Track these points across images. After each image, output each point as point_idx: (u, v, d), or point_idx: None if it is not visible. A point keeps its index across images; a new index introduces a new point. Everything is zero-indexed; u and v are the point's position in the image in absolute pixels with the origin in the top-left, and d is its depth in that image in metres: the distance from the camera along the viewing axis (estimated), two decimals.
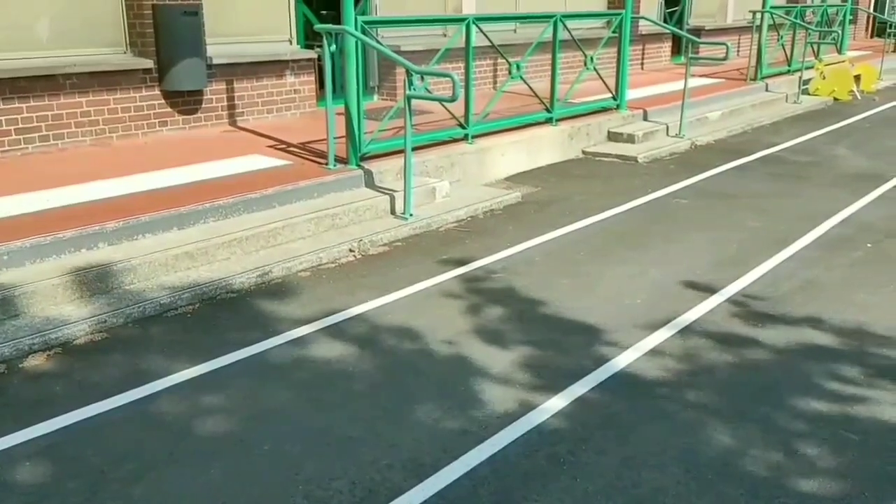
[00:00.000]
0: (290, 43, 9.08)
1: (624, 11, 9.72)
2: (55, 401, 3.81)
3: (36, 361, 4.18)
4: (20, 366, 4.13)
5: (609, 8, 13.21)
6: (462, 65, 8.12)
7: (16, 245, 4.79)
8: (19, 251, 4.79)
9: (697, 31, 14.85)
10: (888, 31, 19.78)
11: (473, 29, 7.84)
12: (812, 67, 13.65)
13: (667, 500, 3.14)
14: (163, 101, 7.90)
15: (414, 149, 6.67)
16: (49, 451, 3.42)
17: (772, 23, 13.31)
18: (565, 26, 8.88)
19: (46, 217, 5.30)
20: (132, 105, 7.69)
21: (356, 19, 6.49)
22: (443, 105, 7.35)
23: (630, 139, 9.51)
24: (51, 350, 4.29)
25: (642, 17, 11.67)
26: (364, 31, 6.66)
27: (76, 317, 4.53)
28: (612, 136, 9.64)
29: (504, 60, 8.55)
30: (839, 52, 16.00)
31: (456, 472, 3.30)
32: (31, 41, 7.15)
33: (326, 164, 6.77)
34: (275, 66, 8.77)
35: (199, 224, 5.61)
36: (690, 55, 10.19)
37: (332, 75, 6.62)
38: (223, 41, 8.32)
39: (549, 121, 8.98)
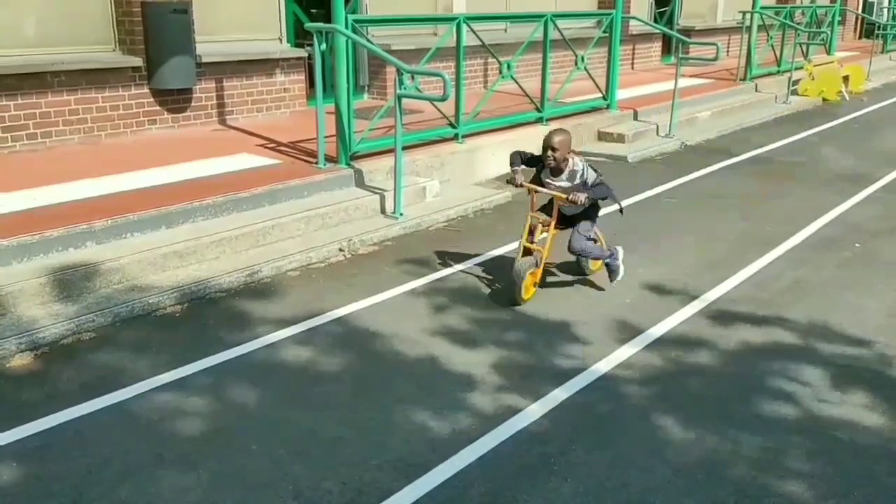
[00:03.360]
0: (280, 41, 9.05)
1: (614, 11, 9.74)
2: (42, 401, 3.79)
3: (23, 361, 4.16)
4: (7, 365, 4.10)
5: (599, 8, 13.23)
6: (452, 64, 8.11)
7: (2, 244, 4.76)
8: (6, 250, 4.76)
9: (687, 32, 14.85)
10: (876, 32, 19.88)
11: (464, 28, 7.83)
12: (801, 68, 13.71)
13: (655, 501, 3.14)
14: (152, 99, 7.86)
15: (404, 148, 6.66)
16: (35, 452, 3.40)
17: (761, 23, 13.36)
18: (556, 26, 8.88)
19: (34, 215, 5.27)
20: (121, 103, 7.64)
21: (347, 18, 6.48)
22: (433, 104, 7.34)
23: (620, 139, 9.52)
24: (38, 350, 4.26)
25: (633, 17, 11.69)
26: (354, 30, 6.64)
27: (63, 316, 4.50)
28: (602, 136, 9.66)
29: (494, 60, 8.55)
30: (828, 52, 16.07)
31: (446, 472, 3.30)
32: (19, 38, 7.10)
33: (316, 163, 6.75)
34: (265, 65, 8.73)
35: (187, 223, 5.59)
36: (680, 55, 10.22)
37: (323, 74, 6.61)
38: (213, 39, 8.28)
39: (539, 120, 8.98)
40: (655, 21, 14.59)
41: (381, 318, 4.76)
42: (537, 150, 5.05)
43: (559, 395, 3.92)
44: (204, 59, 8.07)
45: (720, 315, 4.89)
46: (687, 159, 9.20)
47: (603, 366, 4.22)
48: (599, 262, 5.28)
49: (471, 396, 3.89)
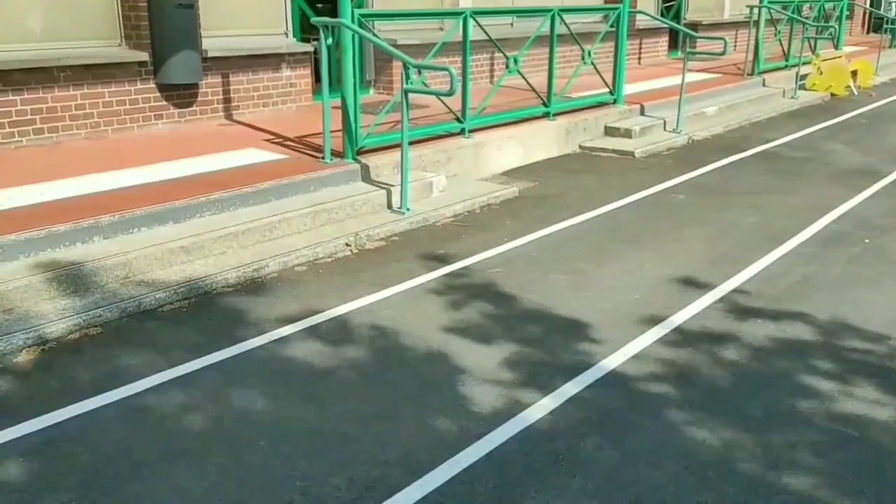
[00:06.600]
0: (287, 36, 9.03)
1: (621, 6, 9.69)
2: (48, 396, 3.78)
3: (29, 356, 4.15)
4: (14, 361, 4.10)
5: (606, 2, 13.15)
6: (459, 59, 8.08)
7: (9, 239, 4.75)
8: (13, 245, 4.76)
9: (694, 26, 14.82)
10: (884, 26, 19.78)
11: (471, 23, 7.80)
12: (809, 63, 13.64)
13: (665, 498, 3.13)
14: (158, 94, 7.86)
15: (411, 143, 6.64)
16: (42, 448, 3.39)
17: (769, 18, 13.28)
18: (563, 20, 8.85)
19: (41, 210, 5.27)
20: (127, 98, 7.64)
21: (353, 12, 6.46)
22: (440, 99, 7.32)
23: (627, 134, 9.48)
24: (45, 345, 4.25)
25: (640, 12, 11.64)
26: (361, 25, 6.62)
27: (71, 311, 4.50)
28: (610, 131, 9.62)
29: (501, 54, 8.52)
30: (836, 47, 15.98)
31: (453, 469, 3.28)
32: (25, 33, 7.10)
33: (323, 158, 6.73)
34: (271, 60, 8.72)
35: (194, 218, 5.58)
36: (688, 50, 10.17)
37: (329, 69, 6.58)
38: (218, 34, 8.27)
39: (546, 115, 8.95)
40: (662, 15, 14.53)
41: (388, 314, 4.75)
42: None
43: (568, 390, 3.90)
44: (210, 54, 8.06)
45: (730, 310, 4.86)
46: (694, 154, 9.16)
47: (612, 361, 4.20)
48: None
49: (479, 392, 3.88)
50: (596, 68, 9.50)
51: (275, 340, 4.39)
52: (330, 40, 6.53)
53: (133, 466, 3.27)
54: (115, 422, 3.60)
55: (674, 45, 15.39)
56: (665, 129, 9.96)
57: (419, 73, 6.82)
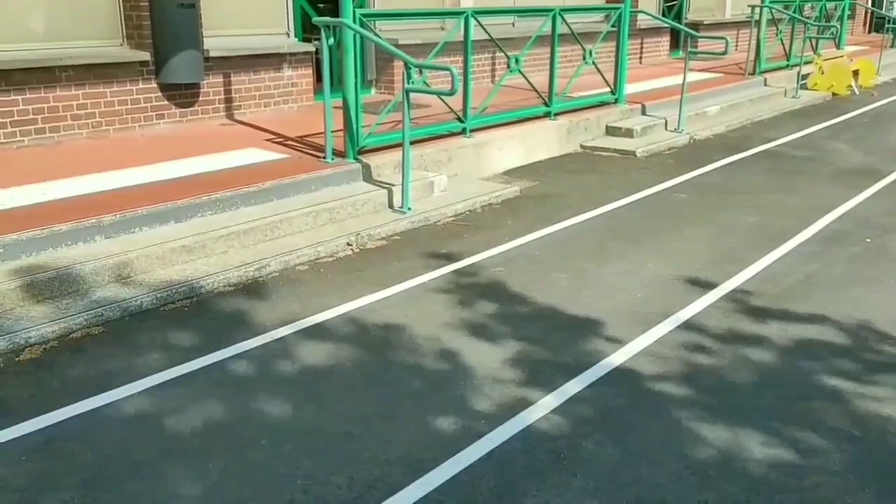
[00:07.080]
0: (288, 36, 9.03)
1: (623, 5, 9.69)
2: (50, 395, 3.79)
3: (32, 355, 4.16)
4: (16, 360, 4.11)
5: (608, 2, 13.16)
6: (460, 58, 8.08)
7: (11, 238, 4.76)
8: (15, 244, 4.76)
9: (696, 26, 14.82)
10: (886, 26, 19.76)
11: (472, 22, 7.80)
12: (810, 62, 13.63)
13: (667, 496, 3.13)
14: (159, 94, 7.86)
15: (412, 142, 6.64)
16: (43, 447, 3.39)
17: (770, 17, 13.28)
18: (564, 20, 8.85)
19: (42, 210, 5.27)
20: (129, 98, 7.64)
21: (354, 12, 6.46)
22: (441, 99, 7.32)
23: (628, 133, 9.48)
24: (47, 344, 4.26)
25: (641, 11, 11.64)
26: (362, 24, 6.62)
27: (73, 310, 4.50)
28: (611, 131, 9.62)
29: (503, 54, 8.52)
30: (837, 47, 15.97)
31: (455, 467, 3.28)
32: (26, 33, 7.11)
33: (324, 157, 6.74)
34: (272, 60, 8.72)
35: (196, 217, 5.58)
36: (689, 50, 10.17)
37: (330, 68, 6.59)
38: (220, 34, 8.28)
39: (547, 115, 8.95)
40: (664, 15, 14.53)
41: (389, 313, 4.75)
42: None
43: (570, 389, 3.90)
44: (211, 54, 8.07)
45: (731, 309, 4.86)
46: (696, 154, 9.16)
47: (614, 360, 4.20)
48: None
49: (480, 391, 3.88)
50: (597, 68, 9.50)
51: (276, 340, 4.39)
52: (331, 40, 6.53)
53: (134, 465, 3.28)
54: (117, 421, 3.60)
55: (675, 44, 15.38)
56: (666, 129, 9.96)
57: (420, 72, 6.82)
